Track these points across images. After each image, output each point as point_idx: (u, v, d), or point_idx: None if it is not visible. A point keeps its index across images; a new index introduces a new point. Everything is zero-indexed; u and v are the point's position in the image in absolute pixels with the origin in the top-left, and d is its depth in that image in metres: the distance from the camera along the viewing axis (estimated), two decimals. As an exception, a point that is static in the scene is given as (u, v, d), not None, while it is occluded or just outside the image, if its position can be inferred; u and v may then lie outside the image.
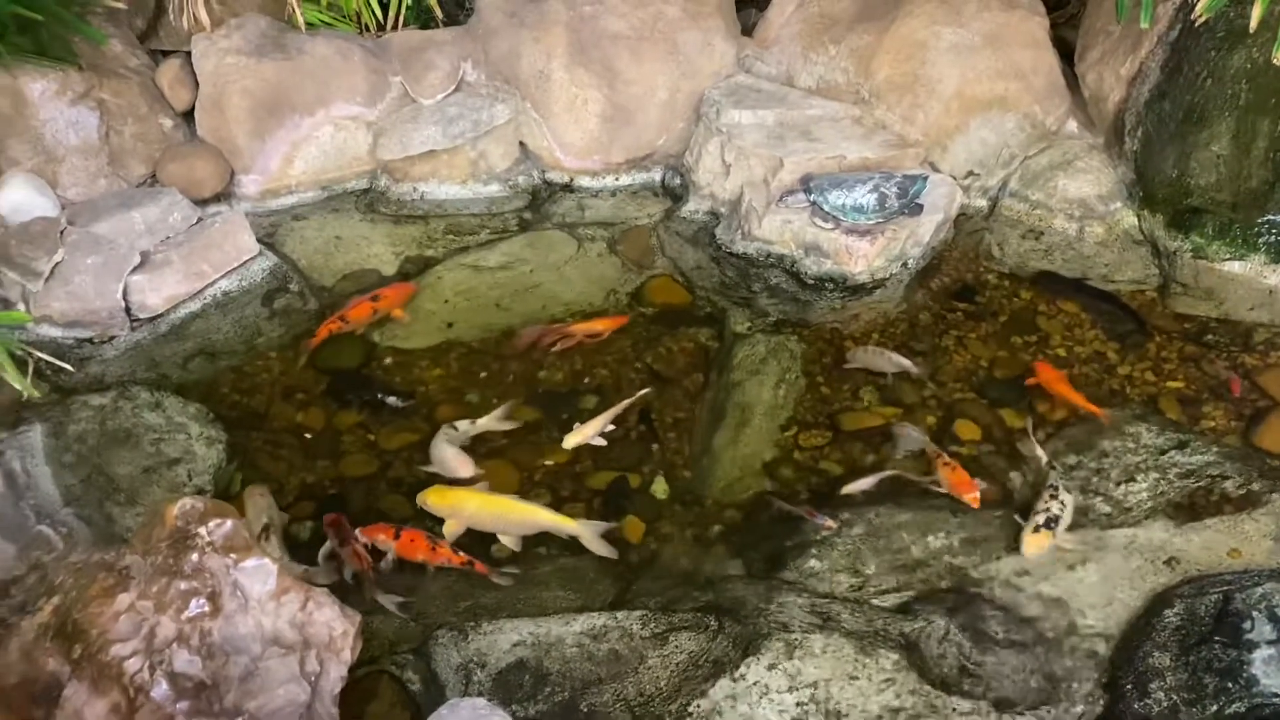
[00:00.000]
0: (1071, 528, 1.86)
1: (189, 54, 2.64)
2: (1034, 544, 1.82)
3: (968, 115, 2.66)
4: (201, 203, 2.51)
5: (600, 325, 2.32)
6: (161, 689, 1.31)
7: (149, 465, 1.93)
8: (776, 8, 2.91)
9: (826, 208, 2.43)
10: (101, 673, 1.30)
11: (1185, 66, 2.42)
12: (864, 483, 1.96)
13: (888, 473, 1.98)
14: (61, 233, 2.25)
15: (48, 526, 1.68)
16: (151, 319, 2.27)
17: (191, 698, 1.31)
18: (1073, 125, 2.75)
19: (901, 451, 2.04)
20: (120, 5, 2.50)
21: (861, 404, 2.16)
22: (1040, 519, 1.85)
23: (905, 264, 2.47)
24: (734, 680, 1.60)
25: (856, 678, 1.62)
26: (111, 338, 2.22)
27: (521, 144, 2.81)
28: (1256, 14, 2.02)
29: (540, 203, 2.75)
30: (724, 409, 2.15)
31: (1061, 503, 1.88)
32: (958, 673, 1.65)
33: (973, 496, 1.90)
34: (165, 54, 2.73)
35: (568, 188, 2.79)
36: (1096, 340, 2.32)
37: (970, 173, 2.69)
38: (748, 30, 2.96)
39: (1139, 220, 2.58)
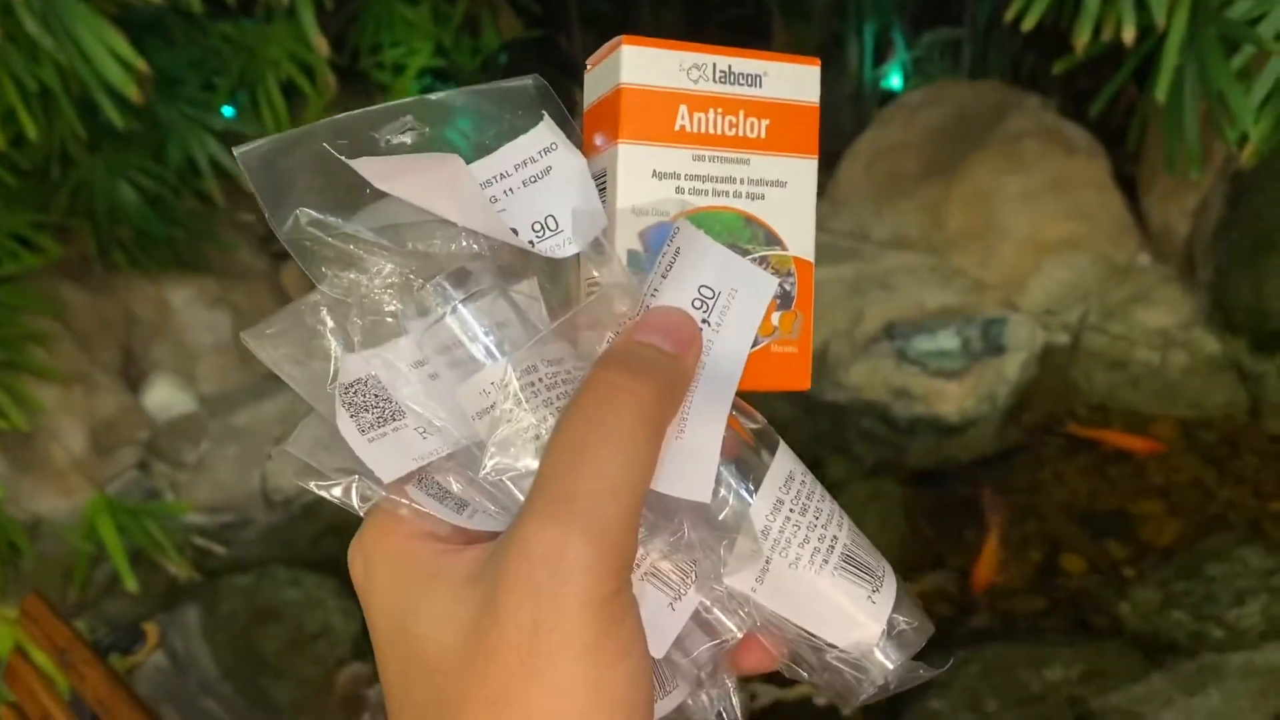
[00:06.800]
0: (1189, 654, 1.88)
1: (307, 254, 2.89)
2: None
3: (1040, 257, 2.77)
4: (324, 389, 2.71)
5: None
6: None
7: (293, 639, 2.05)
8: (845, 169, 3.09)
9: (911, 353, 2.54)
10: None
11: (1247, 198, 2.52)
12: None
13: None
14: (204, 426, 2.45)
15: (211, 700, 1.80)
16: (285, 501, 2.43)
17: None
18: (1145, 258, 2.84)
19: None
20: (251, 219, 2.78)
21: (966, 542, 2.22)
22: None
23: (995, 403, 2.55)
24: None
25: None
26: (249, 521, 2.39)
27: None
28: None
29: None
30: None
31: None
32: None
33: None
34: (284, 255, 2.98)
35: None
36: (1193, 467, 2.35)
37: (1049, 310, 2.78)
38: (819, 191, 3.14)
39: (1222, 345, 2.63)
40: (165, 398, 2.52)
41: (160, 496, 2.36)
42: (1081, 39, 1.99)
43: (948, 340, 2.52)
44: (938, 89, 3.15)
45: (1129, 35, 1.94)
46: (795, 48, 3.45)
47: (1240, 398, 2.52)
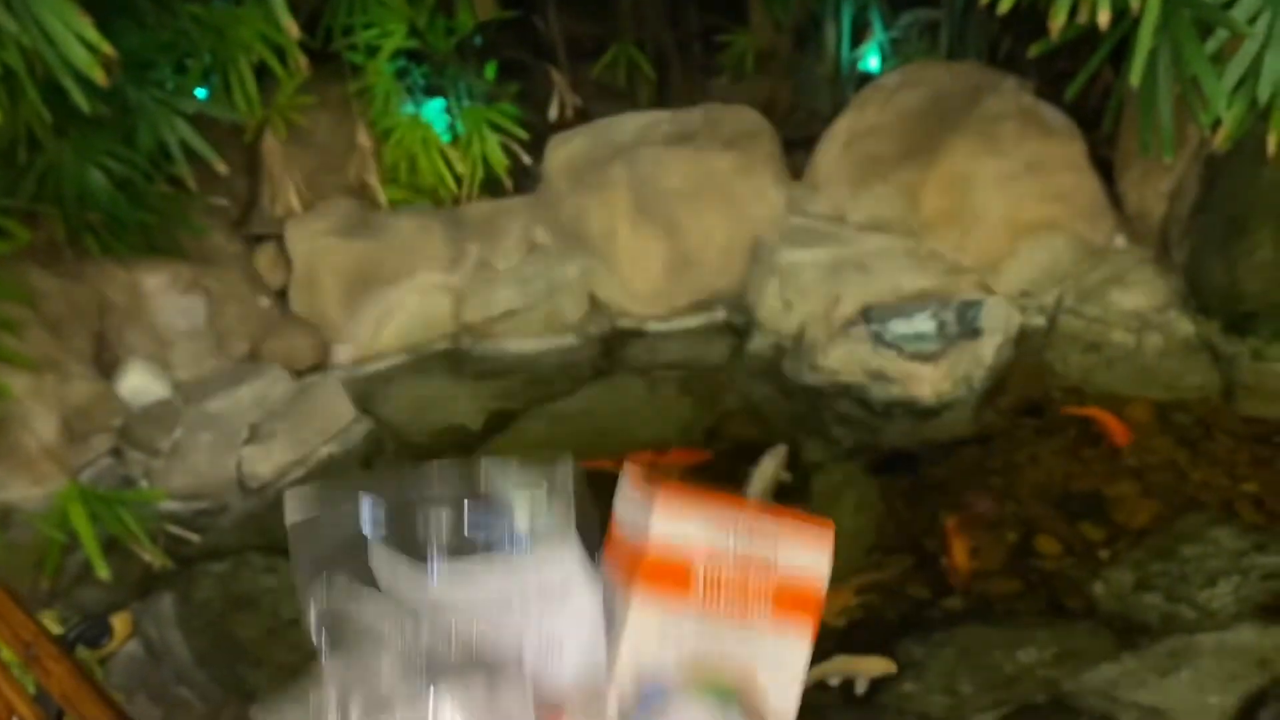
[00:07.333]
0: (1161, 635, 1.89)
1: (280, 237, 2.87)
2: None
3: (1017, 239, 2.77)
4: (299, 374, 2.69)
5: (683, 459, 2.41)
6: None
7: (270, 626, 2.04)
8: (823, 151, 3.07)
9: (887, 337, 2.54)
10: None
11: (1221, 181, 2.52)
12: None
13: None
14: (178, 413, 2.43)
15: (186, 689, 1.80)
16: (261, 488, 2.42)
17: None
18: (1120, 241, 2.84)
19: None
20: (224, 203, 2.75)
21: (941, 525, 2.22)
22: None
23: (970, 385, 2.55)
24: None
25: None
26: (225, 508, 2.37)
27: (592, 296, 2.96)
28: (1273, 141, 2.12)
29: (613, 349, 2.90)
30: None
31: None
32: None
33: None
34: (258, 239, 2.96)
35: (638, 333, 2.93)
36: (1167, 449, 2.36)
37: (1025, 293, 2.77)
38: (797, 173, 3.13)
39: (1196, 327, 2.62)
40: (138, 384, 2.49)
41: (134, 484, 2.35)
42: (1057, 21, 1.99)
43: (924, 323, 2.52)
44: (915, 70, 3.14)
45: (1104, 18, 1.94)
46: (772, 29, 3.43)
47: (1214, 380, 2.52)
